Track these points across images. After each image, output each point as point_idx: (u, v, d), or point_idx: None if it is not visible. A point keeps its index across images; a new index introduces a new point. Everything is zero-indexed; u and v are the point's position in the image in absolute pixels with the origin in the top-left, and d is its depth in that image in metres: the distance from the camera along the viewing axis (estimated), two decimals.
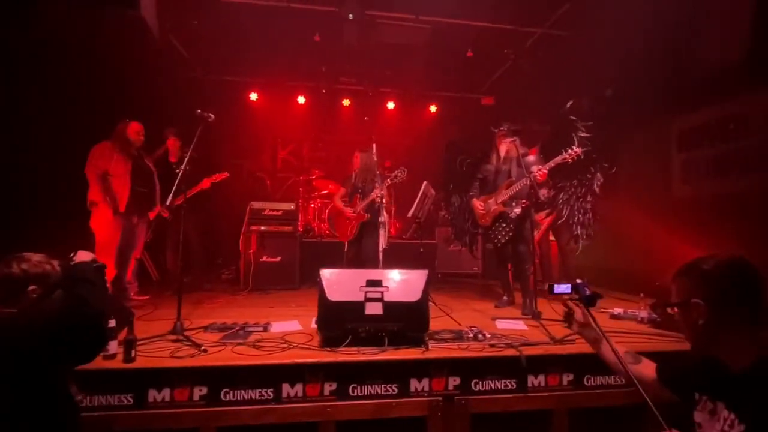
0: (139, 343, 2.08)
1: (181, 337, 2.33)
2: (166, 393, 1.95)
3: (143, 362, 2.00)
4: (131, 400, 1.93)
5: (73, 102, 3.52)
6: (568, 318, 1.56)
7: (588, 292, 1.48)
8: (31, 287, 1.39)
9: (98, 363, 1.96)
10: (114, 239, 3.41)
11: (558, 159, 3.11)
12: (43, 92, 3.26)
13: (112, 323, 2.02)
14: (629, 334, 2.56)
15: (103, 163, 3.40)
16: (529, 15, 4.55)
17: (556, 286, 1.54)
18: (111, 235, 3.40)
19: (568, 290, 1.51)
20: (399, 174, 3.70)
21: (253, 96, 6.30)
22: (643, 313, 2.91)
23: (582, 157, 3.12)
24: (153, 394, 1.94)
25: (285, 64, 5.76)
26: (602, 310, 3.20)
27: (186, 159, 2.79)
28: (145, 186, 3.65)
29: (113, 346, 2.00)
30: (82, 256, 1.61)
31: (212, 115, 2.80)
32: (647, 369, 1.43)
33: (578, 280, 1.52)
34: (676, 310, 1.22)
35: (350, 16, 4.29)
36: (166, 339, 2.33)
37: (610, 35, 4.00)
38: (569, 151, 3.09)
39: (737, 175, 3.38)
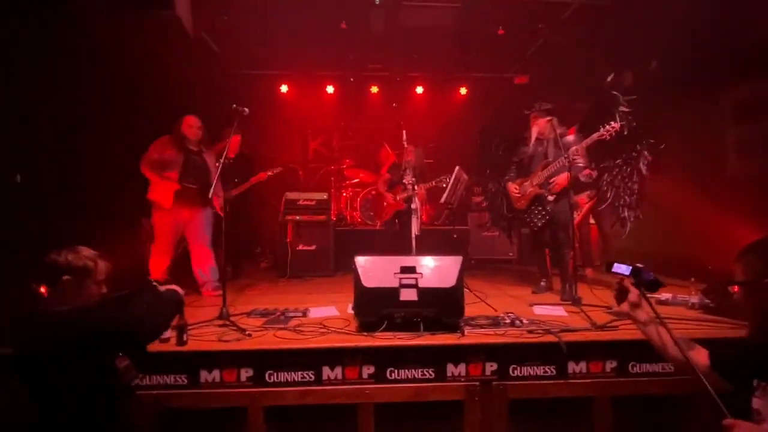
0: (189, 327, 2.22)
1: (227, 322, 2.47)
2: (216, 374, 2.09)
3: (194, 345, 2.14)
4: (185, 380, 2.08)
5: (111, 101, 3.69)
6: (621, 296, 1.48)
7: (651, 276, 1.39)
8: (66, 277, 1.52)
9: (155, 346, 2.11)
10: (166, 235, 3.39)
11: (595, 136, 2.94)
12: (91, 93, 3.46)
13: None
14: (679, 320, 2.44)
15: (156, 158, 3.36)
16: None
17: (615, 264, 1.47)
18: (163, 231, 3.39)
19: (627, 272, 1.44)
20: (444, 179, 3.76)
21: (283, 88, 6.40)
22: (695, 299, 2.75)
23: (623, 132, 2.93)
24: (204, 375, 2.08)
25: (313, 55, 5.78)
26: (649, 294, 3.04)
27: (224, 153, 2.91)
28: (197, 182, 3.45)
29: (167, 331, 2.15)
30: (170, 287, 1.82)
31: (246, 110, 2.88)
32: (699, 356, 1.36)
33: (639, 264, 1.43)
34: (737, 289, 1.15)
35: (376, 0, 4.23)
36: (213, 324, 2.48)
37: (652, 5, 3.70)
38: (607, 126, 2.90)
39: None
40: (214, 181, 3.47)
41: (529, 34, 5.15)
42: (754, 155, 3.51)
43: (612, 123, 2.89)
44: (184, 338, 2.11)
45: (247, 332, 2.28)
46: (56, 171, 3.14)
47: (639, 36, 4.09)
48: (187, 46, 3.66)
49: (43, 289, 1.54)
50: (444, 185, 3.75)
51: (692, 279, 2.94)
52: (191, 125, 3.47)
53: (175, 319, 2.15)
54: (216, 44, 5.32)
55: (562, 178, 3.05)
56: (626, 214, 3.16)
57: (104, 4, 2.46)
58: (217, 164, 3.55)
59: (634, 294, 1.43)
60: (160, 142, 3.41)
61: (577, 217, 4.24)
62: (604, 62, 4.67)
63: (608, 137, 2.92)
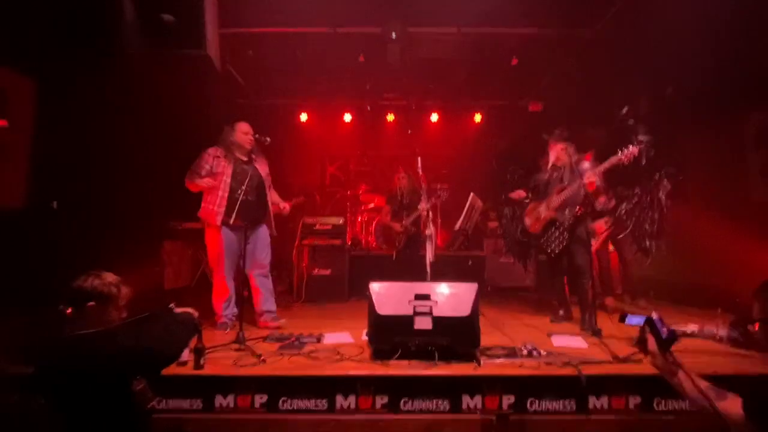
0: (207, 351, 2.25)
1: (243, 347, 2.50)
2: (230, 399, 2.10)
3: (211, 369, 2.16)
4: (201, 404, 2.10)
5: (140, 130, 3.88)
6: (641, 344, 1.41)
7: (665, 332, 1.32)
8: (90, 303, 1.58)
9: (173, 369, 2.15)
10: (220, 256, 3.02)
11: (613, 160, 2.91)
12: (121, 123, 3.68)
13: None
14: (707, 353, 2.34)
15: (206, 170, 3.04)
16: (577, 18, 4.38)
17: (629, 316, 1.43)
18: (215, 251, 3.04)
19: (641, 323, 1.39)
20: (441, 192, 3.75)
21: (303, 117, 6.64)
22: (723, 331, 2.64)
23: (641, 160, 2.91)
24: (219, 400, 2.10)
25: (332, 85, 6.02)
26: (673, 327, 2.93)
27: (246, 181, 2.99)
28: (253, 194, 3.11)
29: (185, 354, 2.19)
30: (185, 310, 1.83)
31: (268, 139, 3.01)
32: (733, 405, 1.26)
33: (654, 315, 1.37)
34: (758, 326, 1.12)
35: (393, 35, 4.42)
36: (229, 348, 2.51)
37: (667, 31, 3.74)
38: (625, 151, 2.87)
39: None
40: (268, 197, 3.21)
41: (543, 63, 5.25)
42: None
43: (630, 147, 2.87)
44: (201, 362, 2.15)
45: (261, 357, 2.30)
46: (87, 198, 3.30)
47: (652, 64, 4.12)
48: (215, 79, 3.88)
49: (68, 312, 1.61)
50: (442, 199, 3.72)
51: (719, 310, 2.83)
52: (246, 132, 3.16)
53: (193, 342, 2.20)
54: (241, 76, 5.61)
55: (593, 177, 2.99)
56: (648, 243, 3.08)
57: (142, 44, 2.66)
58: (268, 173, 3.35)
59: (651, 341, 1.37)
60: (209, 154, 3.09)
61: (594, 244, 4.16)
62: (620, 90, 4.71)
63: (626, 162, 2.89)
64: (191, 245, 5.16)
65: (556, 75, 5.47)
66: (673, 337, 1.33)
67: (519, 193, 3.47)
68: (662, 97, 4.36)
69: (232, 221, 2.99)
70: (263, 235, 3.22)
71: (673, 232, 3.13)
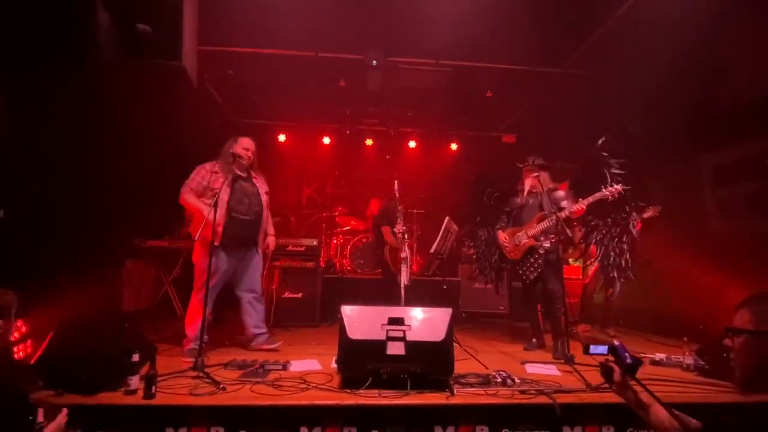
0: (160, 378, 2.07)
1: (202, 374, 2.31)
2: None
3: (163, 399, 1.98)
4: None
5: (110, 144, 3.72)
6: (607, 375, 1.40)
7: (628, 359, 1.33)
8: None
9: (119, 399, 1.96)
10: (206, 275, 2.72)
11: (598, 195, 3.02)
12: (89, 133, 3.51)
13: (136, 358, 2.03)
14: (674, 382, 2.35)
15: (202, 185, 2.90)
16: (547, 56, 4.65)
17: (592, 346, 1.44)
18: (202, 269, 2.79)
19: (605, 352, 1.40)
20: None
21: (282, 137, 6.61)
22: (689, 360, 2.68)
23: (623, 194, 3.01)
24: None
25: (312, 108, 6.06)
26: (642, 355, 2.97)
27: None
28: (249, 212, 2.98)
29: (135, 382, 2.00)
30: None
31: (243, 158, 2.93)
32: None
33: (616, 342, 1.39)
34: (741, 339, 1.10)
35: (374, 63, 4.53)
36: (186, 375, 2.32)
37: (631, 72, 4.01)
38: (609, 188, 2.98)
39: None
40: (265, 212, 3.01)
41: (516, 97, 5.51)
42: (732, 217, 3.62)
43: (615, 185, 2.98)
44: (153, 390, 1.96)
45: (221, 386, 2.13)
46: (39, 209, 3.07)
47: (617, 102, 4.38)
48: (190, 94, 3.81)
49: None
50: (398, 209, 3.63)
51: (685, 338, 2.89)
52: (247, 147, 3.03)
53: (144, 368, 2.02)
54: (219, 95, 5.56)
55: (578, 208, 3.07)
56: (615, 273, 3.15)
57: (117, 53, 2.59)
58: (267, 192, 3.19)
59: (616, 372, 1.36)
60: (205, 168, 2.95)
61: (587, 278, 4.24)
62: (587, 126, 4.96)
63: (611, 198, 3.00)
64: (154, 265, 4.89)
65: (529, 108, 5.74)
66: (637, 363, 1.34)
67: (502, 239, 3.46)
68: (626, 134, 4.62)
69: (226, 240, 2.85)
70: (256, 256, 3.09)
71: (642, 261, 3.21)
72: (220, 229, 2.80)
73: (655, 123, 4.16)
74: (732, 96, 3.54)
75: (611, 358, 1.39)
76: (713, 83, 3.61)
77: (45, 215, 3.01)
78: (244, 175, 3.04)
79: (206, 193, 2.89)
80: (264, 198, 3.12)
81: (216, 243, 2.74)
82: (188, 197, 2.89)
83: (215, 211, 2.70)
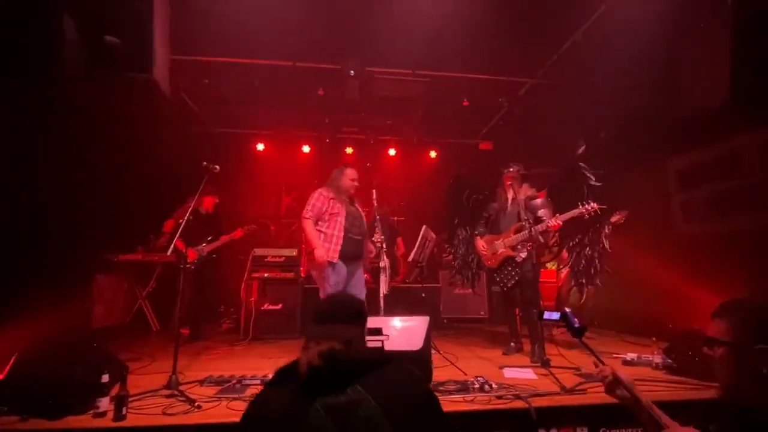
0: (131, 398, 2.01)
1: (176, 392, 2.26)
2: None
3: (134, 420, 1.91)
4: None
5: (78, 159, 3.62)
6: (611, 387, 1.38)
7: (576, 324, 1.46)
8: None
9: (87, 422, 1.89)
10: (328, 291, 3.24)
11: (575, 212, 3.06)
12: (61, 147, 3.40)
13: (105, 378, 1.97)
14: (646, 381, 2.43)
15: (322, 211, 3.33)
16: (520, 67, 4.81)
17: (546, 313, 1.57)
18: (325, 286, 3.28)
19: (557, 317, 1.52)
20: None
21: (260, 146, 6.55)
22: (658, 358, 2.78)
23: (599, 213, 3.04)
24: None
25: (291, 117, 6.05)
26: (614, 355, 3.06)
27: (189, 210, 2.86)
28: (360, 233, 3.43)
29: (104, 404, 1.94)
30: None
31: (217, 167, 2.91)
32: None
33: (567, 309, 1.51)
34: (721, 350, 1.12)
35: (351, 72, 4.57)
36: (160, 394, 2.25)
37: (598, 81, 4.18)
38: (586, 206, 3.02)
39: (737, 214, 3.36)
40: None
41: (492, 105, 5.65)
42: (696, 219, 3.80)
43: (592, 204, 3.02)
44: (123, 412, 1.90)
45: (196, 404, 2.08)
46: (3, 225, 2.95)
47: (587, 110, 4.55)
48: (163, 105, 3.74)
49: None
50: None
51: (653, 338, 2.99)
52: (354, 178, 3.48)
53: (114, 389, 1.96)
54: (194, 104, 5.49)
55: (555, 224, 3.13)
56: (584, 280, 3.23)
57: (85, 66, 2.52)
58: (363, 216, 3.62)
59: (620, 378, 1.36)
60: (323, 195, 3.37)
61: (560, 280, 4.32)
62: (561, 132, 5.13)
63: (587, 216, 3.06)
64: (128, 279, 4.75)
65: (505, 116, 5.89)
66: (583, 327, 1.46)
67: (480, 247, 3.51)
68: (597, 140, 4.79)
69: (342, 257, 3.27)
70: (361, 271, 3.52)
71: (612, 262, 3.30)
72: (339, 249, 3.27)
73: (622, 129, 4.33)
74: (692, 104, 3.73)
75: (562, 323, 1.50)
76: (675, 92, 3.79)
77: (7, 233, 2.90)
78: (350, 201, 3.50)
79: (323, 217, 3.33)
80: (365, 220, 3.58)
81: (336, 260, 3.25)
82: (307, 225, 3.30)
83: (336, 234, 3.27)
